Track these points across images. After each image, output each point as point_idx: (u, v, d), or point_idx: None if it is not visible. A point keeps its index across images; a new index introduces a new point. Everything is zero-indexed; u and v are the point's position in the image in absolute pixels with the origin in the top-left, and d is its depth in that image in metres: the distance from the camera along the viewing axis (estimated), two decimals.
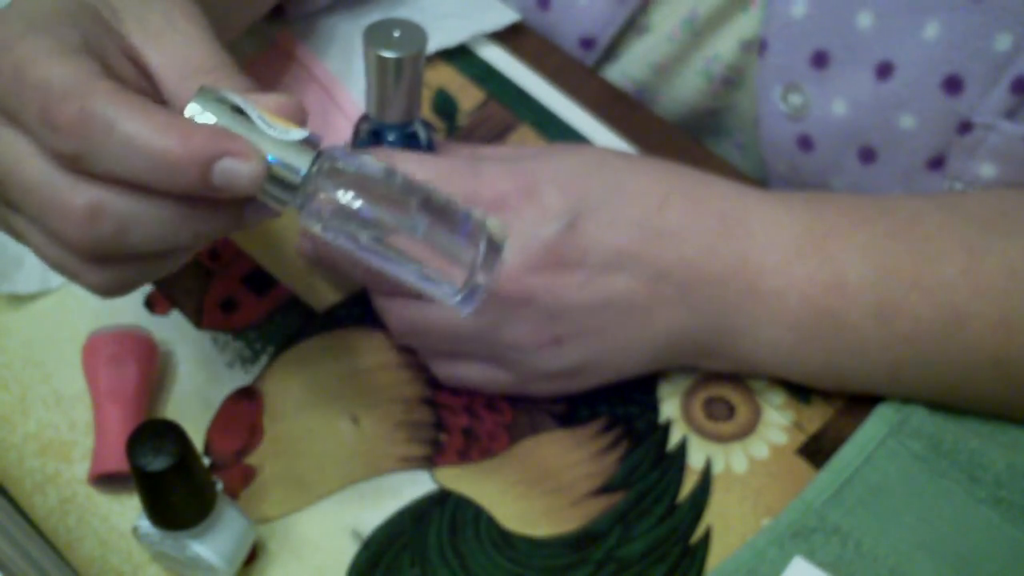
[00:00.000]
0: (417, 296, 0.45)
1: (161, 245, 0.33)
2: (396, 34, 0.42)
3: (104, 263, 0.34)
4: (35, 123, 0.32)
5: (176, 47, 0.35)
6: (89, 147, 0.31)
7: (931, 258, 0.44)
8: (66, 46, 0.33)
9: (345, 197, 0.33)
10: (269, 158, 0.32)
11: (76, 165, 0.32)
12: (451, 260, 0.34)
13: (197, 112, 0.32)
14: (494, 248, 0.34)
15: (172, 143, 0.31)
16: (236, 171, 0.31)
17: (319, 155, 0.33)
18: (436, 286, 0.35)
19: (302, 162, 0.32)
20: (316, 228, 0.33)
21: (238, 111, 0.32)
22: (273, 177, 0.32)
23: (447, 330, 0.45)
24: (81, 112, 0.31)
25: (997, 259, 0.43)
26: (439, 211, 0.34)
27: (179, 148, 0.31)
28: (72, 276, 0.35)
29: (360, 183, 0.33)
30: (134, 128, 0.31)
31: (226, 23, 0.48)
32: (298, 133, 0.32)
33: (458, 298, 0.35)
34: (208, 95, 0.32)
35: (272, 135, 0.32)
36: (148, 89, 0.35)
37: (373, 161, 0.34)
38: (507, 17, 0.59)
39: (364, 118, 0.46)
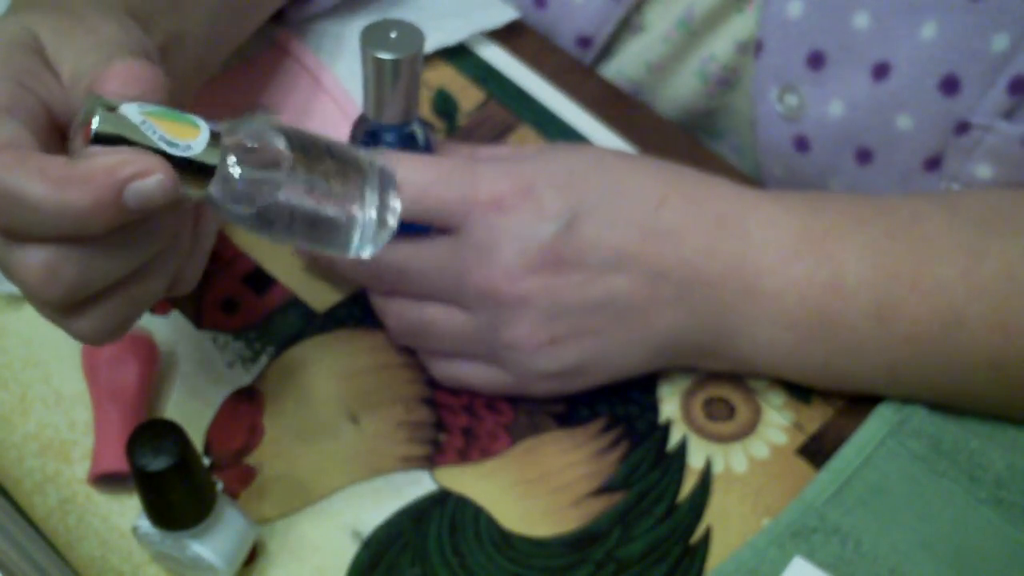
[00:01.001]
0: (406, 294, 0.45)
1: (128, 270, 0.34)
2: (393, 35, 0.42)
3: (82, 310, 0.34)
4: None
5: (77, 74, 0.35)
6: (9, 221, 0.32)
7: (930, 259, 0.44)
8: None
9: (241, 184, 0.33)
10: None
11: (13, 237, 0.33)
12: (353, 207, 0.35)
13: (101, 128, 0.32)
14: (390, 188, 0.36)
15: (78, 194, 0.31)
16: (145, 190, 0.32)
17: (223, 148, 0.33)
18: (342, 236, 0.36)
19: (208, 158, 0.33)
20: (228, 213, 0.34)
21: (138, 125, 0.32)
22: (187, 176, 0.33)
23: (445, 330, 0.45)
24: None
25: (996, 261, 0.43)
26: (340, 163, 0.35)
27: (86, 196, 0.31)
28: (63, 327, 0.35)
29: (260, 159, 0.34)
30: (37, 193, 0.31)
31: (214, 49, 0.48)
32: (199, 142, 0.33)
33: (361, 243, 0.36)
34: (103, 114, 0.32)
35: (174, 153, 0.32)
36: None
37: (270, 131, 0.35)
38: (506, 15, 0.59)
39: (362, 119, 0.46)
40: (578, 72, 0.59)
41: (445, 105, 0.57)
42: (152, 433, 0.37)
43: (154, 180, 0.32)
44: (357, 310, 0.50)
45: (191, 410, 0.46)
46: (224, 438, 0.46)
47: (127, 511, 0.44)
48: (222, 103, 0.55)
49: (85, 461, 0.45)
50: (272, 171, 0.34)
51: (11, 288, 0.49)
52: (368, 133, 0.46)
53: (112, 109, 0.32)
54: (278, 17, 0.58)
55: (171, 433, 0.37)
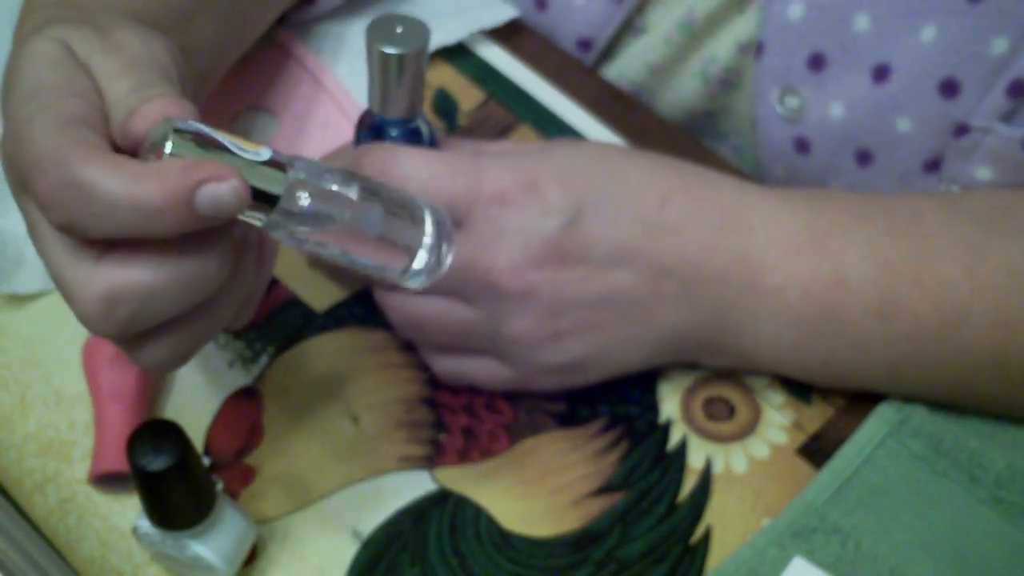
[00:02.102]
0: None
1: (184, 309, 0.34)
2: (399, 30, 0.42)
3: (143, 343, 0.34)
4: (34, 200, 0.33)
5: (113, 96, 0.35)
6: (75, 214, 0.32)
7: (932, 256, 0.44)
8: (58, 119, 0.33)
9: (309, 206, 0.33)
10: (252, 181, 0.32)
11: (73, 235, 0.32)
12: (406, 244, 0.36)
13: (172, 148, 0.32)
14: (444, 231, 0.36)
15: (152, 188, 0.31)
16: (218, 194, 0.31)
17: (288, 169, 0.33)
18: (394, 268, 0.36)
19: (276, 178, 0.33)
20: (284, 238, 0.34)
21: (210, 141, 0.32)
22: (255, 195, 0.33)
23: (448, 323, 0.45)
24: (60, 181, 0.31)
25: (998, 258, 0.44)
26: (393, 203, 0.35)
27: (160, 190, 0.31)
28: (128, 356, 0.35)
29: (322, 193, 0.34)
30: (110, 185, 0.31)
31: (219, 60, 0.48)
32: (267, 151, 0.33)
33: (413, 274, 0.36)
34: (175, 133, 0.32)
35: (247, 157, 0.32)
36: None
37: (331, 168, 0.35)
38: (505, 14, 0.59)
39: (367, 114, 0.46)
40: (578, 72, 0.59)
41: (445, 105, 0.57)
42: (152, 433, 0.37)
43: (228, 186, 0.31)
44: (357, 310, 0.50)
45: (191, 410, 0.46)
46: (224, 438, 0.46)
47: (127, 511, 0.44)
48: (223, 103, 0.55)
49: (85, 461, 0.45)
50: (335, 204, 0.34)
51: (11, 288, 0.49)
52: (373, 128, 0.46)
53: (181, 131, 0.32)
54: (280, 19, 0.58)
55: (171, 433, 0.37)
